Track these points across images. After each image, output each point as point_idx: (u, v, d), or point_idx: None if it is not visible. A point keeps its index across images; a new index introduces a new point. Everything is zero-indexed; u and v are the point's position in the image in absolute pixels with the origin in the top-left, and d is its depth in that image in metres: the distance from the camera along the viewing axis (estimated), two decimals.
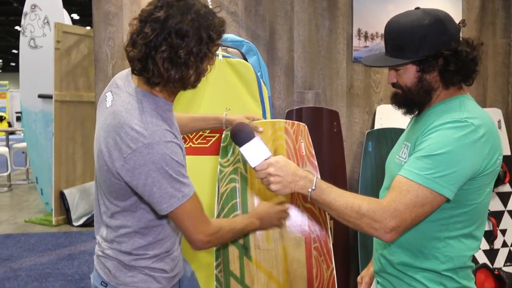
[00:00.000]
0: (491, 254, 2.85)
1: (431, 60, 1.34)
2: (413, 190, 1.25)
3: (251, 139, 1.40)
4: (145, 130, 1.32)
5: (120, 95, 1.41)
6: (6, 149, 7.97)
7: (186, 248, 1.58)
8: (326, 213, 1.96)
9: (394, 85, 1.43)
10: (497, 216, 2.86)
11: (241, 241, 1.94)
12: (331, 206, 1.33)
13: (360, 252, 2.64)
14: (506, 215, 2.88)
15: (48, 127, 5.84)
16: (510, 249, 2.89)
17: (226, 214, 1.98)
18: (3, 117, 13.93)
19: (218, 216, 1.98)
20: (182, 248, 1.64)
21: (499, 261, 2.85)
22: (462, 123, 1.27)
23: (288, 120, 2.08)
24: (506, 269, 2.83)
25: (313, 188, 1.34)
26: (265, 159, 1.38)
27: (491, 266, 2.82)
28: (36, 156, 6.14)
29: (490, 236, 2.84)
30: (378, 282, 1.52)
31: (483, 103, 3.00)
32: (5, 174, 7.94)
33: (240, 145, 1.41)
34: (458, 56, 1.32)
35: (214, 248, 1.91)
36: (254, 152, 1.39)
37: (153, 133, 1.33)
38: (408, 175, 1.27)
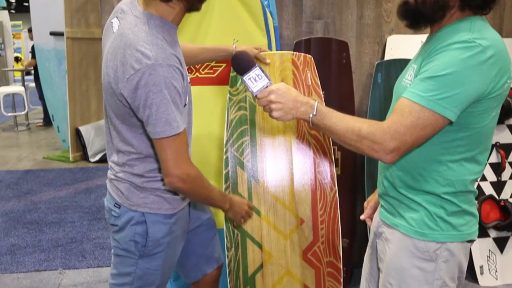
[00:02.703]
0: (498, 186, 2.86)
1: None
2: (415, 112, 1.24)
3: (252, 67, 1.41)
4: (150, 51, 1.33)
5: (127, 18, 1.42)
6: (23, 88, 8.03)
7: None
8: (330, 139, 1.99)
9: None
10: (506, 148, 2.85)
11: None
12: (332, 130, 1.34)
13: (367, 182, 2.68)
14: None
15: (61, 65, 5.86)
16: None
17: (236, 140, 2.03)
18: (19, 58, 13.92)
19: (227, 142, 2.02)
20: None
21: (506, 193, 2.87)
22: (470, 44, 1.23)
23: (295, 52, 2.09)
24: None
25: (314, 113, 1.35)
26: (266, 87, 1.39)
27: (497, 198, 2.85)
28: (51, 94, 6.20)
29: (498, 168, 2.84)
30: (382, 206, 1.54)
31: (499, 34, 2.90)
32: (23, 113, 8.07)
33: (242, 73, 1.42)
34: None
35: (224, 172, 1.97)
36: (255, 80, 1.40)
37: (157, 55, 1.34)
38: (411, 97, 1.25)
